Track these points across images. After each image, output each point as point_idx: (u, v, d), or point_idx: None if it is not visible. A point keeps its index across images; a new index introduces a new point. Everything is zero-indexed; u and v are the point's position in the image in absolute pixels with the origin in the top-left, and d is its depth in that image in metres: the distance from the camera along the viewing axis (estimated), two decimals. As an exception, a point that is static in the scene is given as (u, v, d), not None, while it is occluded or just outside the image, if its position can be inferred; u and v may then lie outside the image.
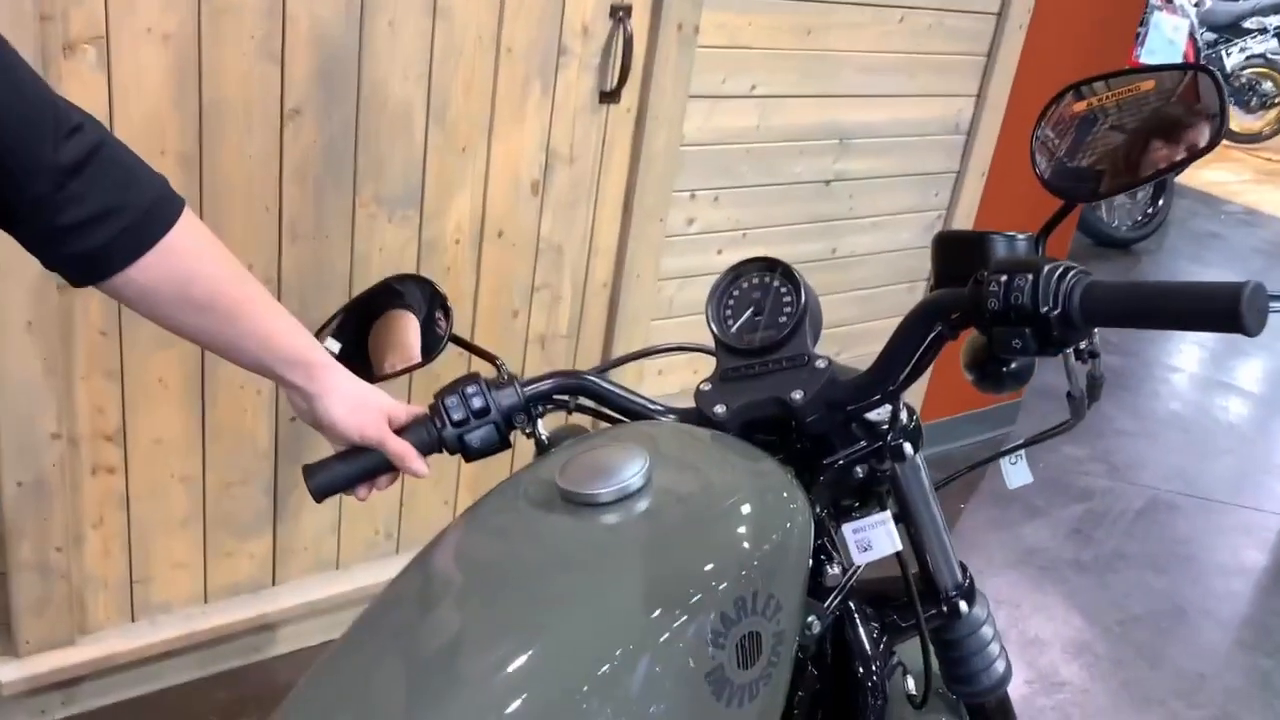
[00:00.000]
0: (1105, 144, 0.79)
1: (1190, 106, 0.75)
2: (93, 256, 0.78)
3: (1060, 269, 0.72)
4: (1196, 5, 6.61)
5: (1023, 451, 0.97)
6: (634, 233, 2.01)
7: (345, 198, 1.67)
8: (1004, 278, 0.73)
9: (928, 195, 2.49)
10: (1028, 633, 2.36)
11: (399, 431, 0.90)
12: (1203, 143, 0.73)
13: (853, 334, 2.50)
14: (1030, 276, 0.72)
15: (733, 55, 1.99)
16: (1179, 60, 5.43)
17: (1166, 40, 5.47)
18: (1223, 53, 7.26)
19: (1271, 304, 0.70)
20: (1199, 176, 6.61)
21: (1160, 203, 5.23)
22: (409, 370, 1.01)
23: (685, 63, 1.91)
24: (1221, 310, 0.64)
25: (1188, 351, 4.14)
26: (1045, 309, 0.72)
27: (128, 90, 1.42)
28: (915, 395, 2.67)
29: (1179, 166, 0.76)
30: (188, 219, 0.82)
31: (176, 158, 1.49)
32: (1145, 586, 2.59)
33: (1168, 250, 5.44)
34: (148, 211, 0.79)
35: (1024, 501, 2.86)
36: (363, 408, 0.88)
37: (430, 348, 1.01)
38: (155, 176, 0.82)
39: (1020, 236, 0.82)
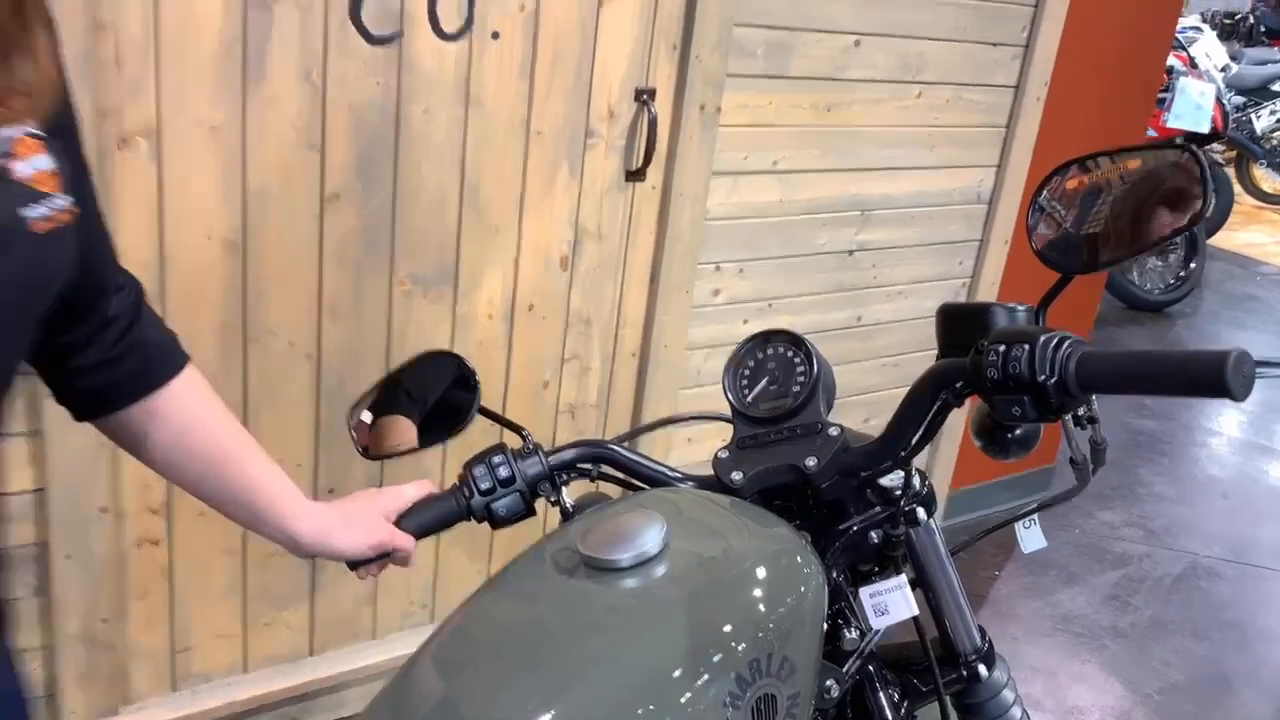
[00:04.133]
0: (1095, 219, 0.83)
1: (1177, 182, 0.78)
2: (98, 394, 0.84)
3: (1056, 339, 0.76)
4: (1223, 70, 6.66)
5: (1036, 517, 0.99)
6: (661, 305, 2.07)
7: (382, 277, 1.74)
8: (1002, 348, 0.77)
9: (951, 264, 2.53)
10: (1066, 701, 2.33)
11: (427, 504, 0.95)
12: (1187, 218, 0.77)
13: (880, 400, 2.52)
14: (1027, 347, 0.76)
15: (754, 133, 2.06)
16: (1206, 125, 5.46)
17: (1193, 105, 5.50)
18: (1252, 116, 7.28)
19: (1260, 369, 0.72)
20: (1233, 238, 6.60)
21: (1192, 265, 5.22)
22: (405, 453, 1.05)
23: (708, 141, 1.98)
24: (1208, 377, 0.67)
25: (1227, 415, 4.10)
26: (1042, 377, 0.75)
27: (177, 179, 1.51)
28: (945, 461, 2.68)
29: (1168, 239, 0.79)
30: (190, 373, 0.88)
31: (222, 242, 1.57)
32: (1186, 654, 2.55)
33: (1203, 313, 5.41)
34: (154, 361, 0.85)
35: (1060, 568, 2.84)
36: (357, 525, 0.93)
37: (459, 421, 1.06)
38: (168, 332, 0.88)
39: (1020, 308, 0.85)
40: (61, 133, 0.71)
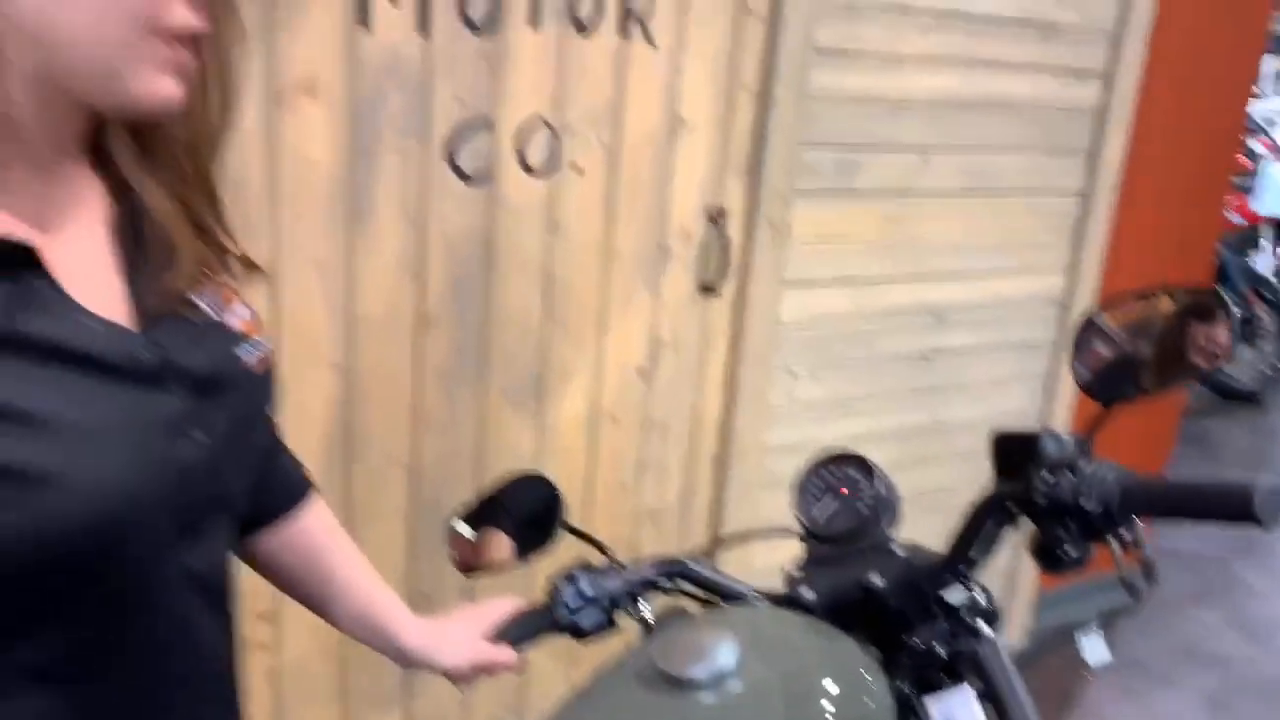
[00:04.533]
0: (1134, 354, 0.89)
1: (1209, 320, 0.84)
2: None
3: (1098, 468, 0.82)
4: (1311, 152, 6.56)
5: (1100, 630, 1.03)
6: (738, 410, 2.14)
7: (474, 392, 1.85)
8: (1049, 476, 0.83)
9: (1028, 364, 2.56)
10: (1166, 813, 2.26)
11: (519, 618, 1.03)
12: (1219, 353, 0.82)
13: (963, 502, 2.53)
14: (1071, 474, 0.82)
15: (825, 246, 2.15)
16: (1293, 209, 5.39)
17: (1280, 191, 5.45)
18: (1344, 197, 7.12)
19: (1293, 497, 0.77)
20: (1331, 322, 6.40)
21: (1287, 353, 5.10)
22: (500, 570, 1.13)
23: (779, 255, 2.08)
24: (1239, 508, 0.73)
25: (1330, 507, 3.96)
26: (1085, 504, 0.80)
27: (291, 312, 1.65)
28: (1030, 563, 2.66)
29: (1205, 371, 0.85)
30: (317, 500, 0.99)
31: (330, 367, 1.70)
32: (1294, 763, 2.46)
33: (1302, 402, 5.26)
34: (289, 489, 0.97)
35: (1155, 670, 2.77)
36: (460, 643, 1.02)
37: (547, 537, 1.14)
38: (298, 463, 0.99)
39: (1067, 436, 0.91)
40: None
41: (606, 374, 1.99)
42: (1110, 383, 0.90)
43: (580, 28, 1.76)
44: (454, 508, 1.17)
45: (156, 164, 0.73)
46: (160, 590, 0.70)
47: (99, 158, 0.72)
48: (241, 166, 1.55)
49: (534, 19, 1.71)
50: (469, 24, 1.66)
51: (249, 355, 0.76)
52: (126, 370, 0.66)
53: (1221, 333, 0.81)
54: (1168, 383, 0.86)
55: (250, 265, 0.80)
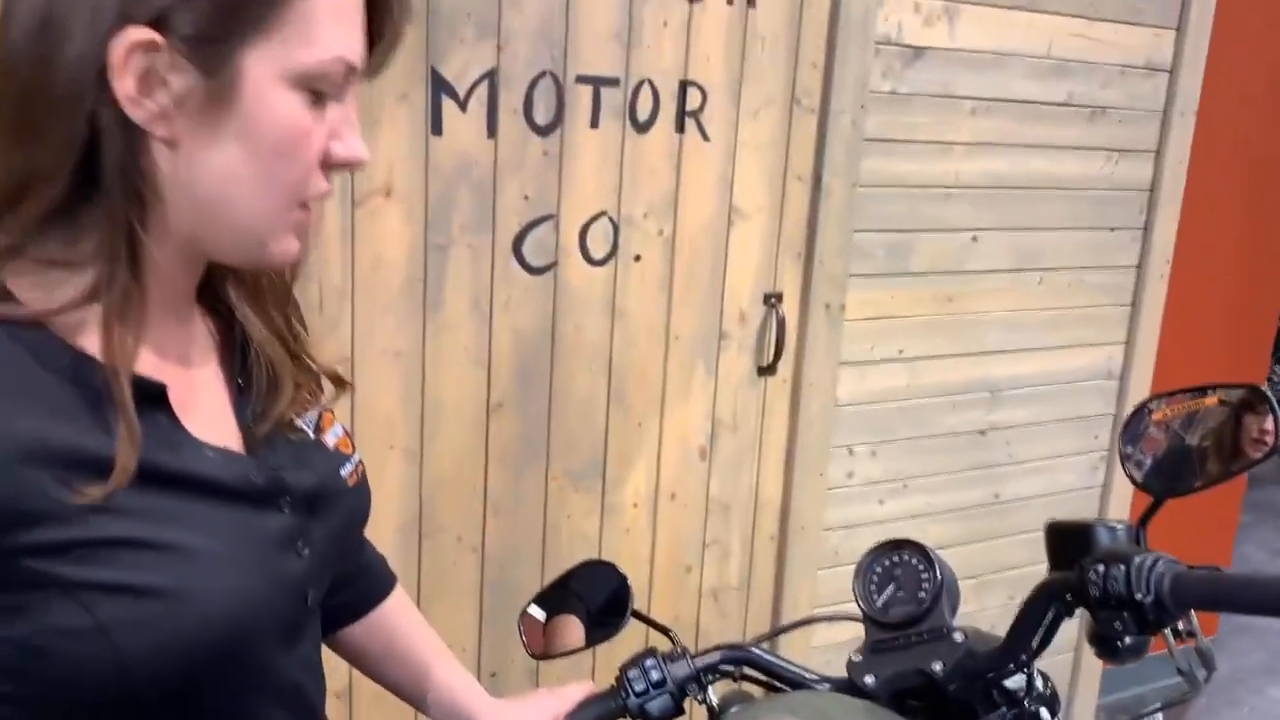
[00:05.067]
0: (1183, 447, 0.92)
1: (1256, 413, 0.87)
2: (330, 614, 0.98)
3: (1150, 560, 0.84)
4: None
5: (1159, 715, 1.04)
6: (797, 488, 2.17)
7: (539, 474, 1.91)
8: (1102, 568, 0.86)
9: (1087, 438, 2.56)
10: None
11: (589, 704, 1.07)
12: (1266, 449, 0.85)
13: (1024, 577, 2.52)
14: (1124, 567, 0.84)
15: (879, 325, 2.19)
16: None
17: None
18: None
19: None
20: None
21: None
22: (571, 653, 1.17)
23: (834, 336, 2.12)
24: (1293, 602, 0.75)
25: None
26: (1139, 595, 0.83)
27: (366, 400, 1.73)
28: (1096, 638, 2.63)
29: (1255, 464, 0.88)
30: (399, 590, 1.05)
31: (403, 451, 1.78)
32: None
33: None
34: (374, 581, 1.03)
35: (1232, 752, 2.69)
36: None
37: (614, 624, 1.18)
38: (378, 555, 1.05)
39: (1120, 526, 0.93)
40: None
41: (667, 455, 2.04)
42: (1162, 475, 0.93)
43: (638, 125, 1.84)
44: (530, 595, 1.21)
45: (257, 298, 0.80)
46: (264, 694, 0.75)
47: (204, 292, 0.79)
48: (322, 265, 1.65)
49: (594, 119, 1.80)
50: (534, 126, 1.75)
51: (346, 471, 0.83)
52: (241, 492, 0.72)
53: (1269, 424, 0.84)
54: (1220, 475, 0.89)
55: (340, 382, 0.86)
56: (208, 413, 0.75)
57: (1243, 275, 2.75)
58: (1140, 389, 2.55)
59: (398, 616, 1.04)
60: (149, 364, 0.70)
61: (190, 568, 0.66)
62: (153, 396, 0.68)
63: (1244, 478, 3.06)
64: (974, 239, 2.25)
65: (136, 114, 0.63)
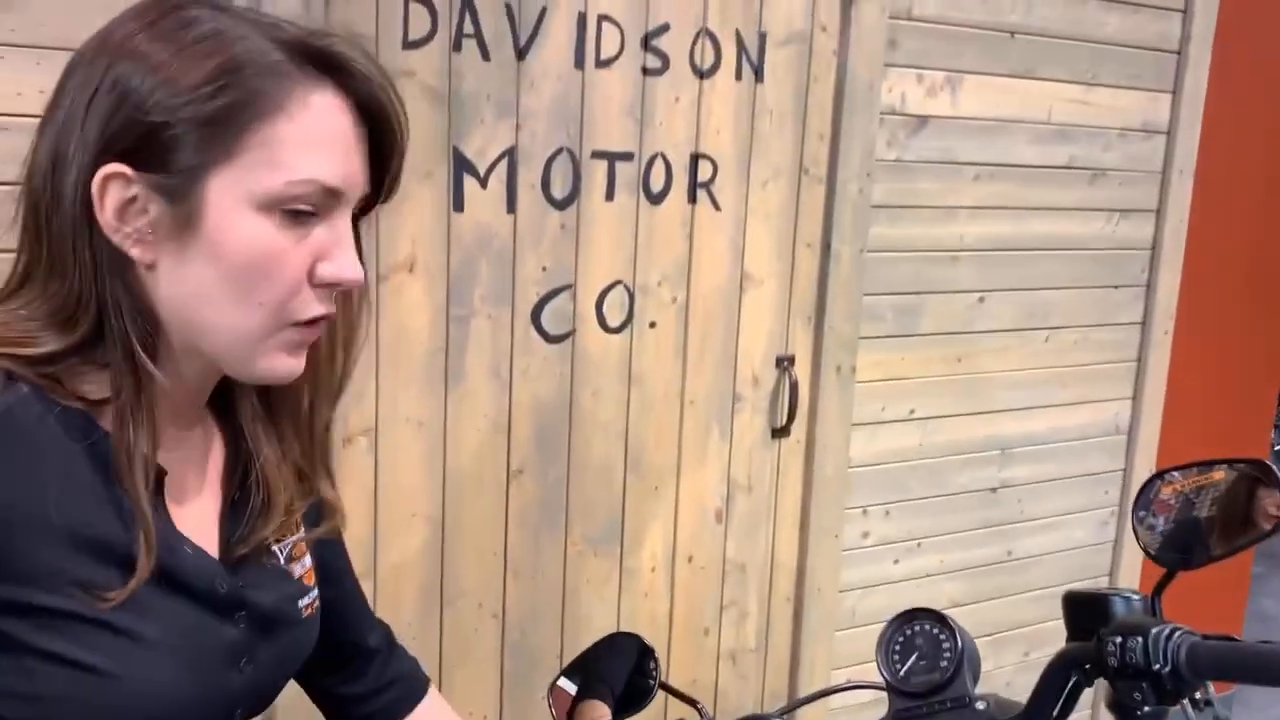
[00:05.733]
0: (1196, 521, 0.95)
1: (1265, 487, 0.90)
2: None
3: (1167, 631, 0.87)
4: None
5: (1184, 781, 1.06)
6: (812, 549, 2.19)
7: (558, 539, 1.94)
8: (1120, 639, 0.88)
9: (1097, 494, 2.58)
10: None
11: None
12: (1271, 523, 0.88)
13: (1039, 633, 2.53)
14: (1141, 639, 0.87)
15: (889, 386, 2.22)
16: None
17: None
18: None
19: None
20: None
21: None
22: None
23: (846, 398, 2.16)
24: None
25: None
26: (1157, 666, 0.86)
27: (389, 468, 1.76)
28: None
29: (1267, 537, 0.90)
30: (433, 691, 1.07)
31: (424, 518, 1.80)
32: None
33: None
34: (408, 686, 1.04)
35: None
36: None
37: (642, 695, 1.20)
38: (411, 660, 1.07)
39: (1135, 596, 0.96)
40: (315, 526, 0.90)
41: (684, 518, 2.07)
42: (1175, 548, 0.96)
43: (651, 197, 1.90)
44: (550, 659, 1.24)
45: (274, 416, 0.81)
46: None
47: (221, 403, 0.81)
48: (348, 338, 1.69)
49: (610, 192, 1.85)
50: (551, 200, 1.81)
51: (303, 602, 0.84)
52: (204, 596, 0.75)
53: (1274, 495, 0.87)
54: (1232, 548, 0.92)
55: (333, 512, 0.87)
56: (196, 515, 0.78)
57: (1246, 330, 2.79)
58: (1148, 444, 2.58)
59: (433, 717, 1.06)
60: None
61: (136, 653, 0.68)
62: (155, 481, 0.71)
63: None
64: (980, 300, 2.29)
65: (117, 239, 0.67)
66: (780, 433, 2.13)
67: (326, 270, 0.70)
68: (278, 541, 0.83)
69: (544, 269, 1.82)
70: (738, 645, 2.17)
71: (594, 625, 1.95)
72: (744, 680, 2.18)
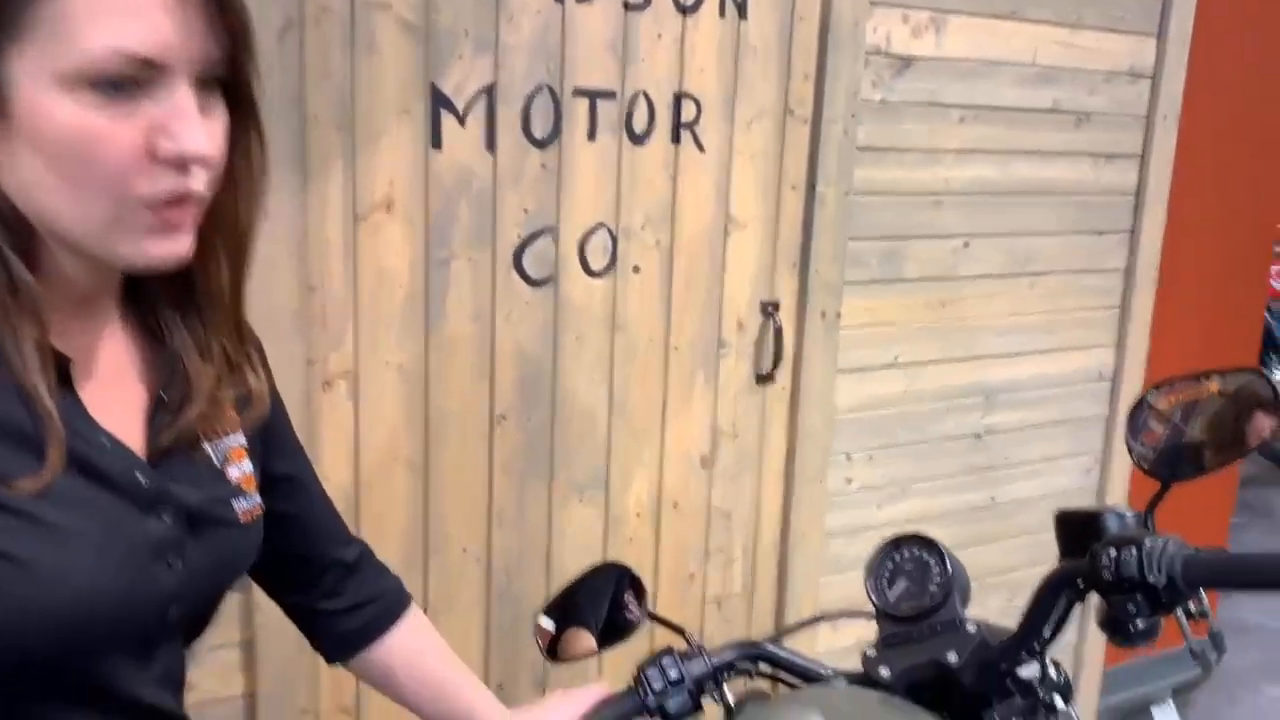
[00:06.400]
0: (1187, 433, 0.94)
1: (1258, 397, 0.89)
2: (347, 637, 1.02)
3: (1162, 543, 0.86)
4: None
5: (1172, 701, 1.06)
6: (797, 496, 2.19)
7: (543, 485, 1.92)
8: (1113, 552, 0.87)
9: (1081, 440, 2.58)
10: None
11: (606, 705, 1.08)
12: (1267, 432, 0.87)
13: (1023, 580, 2.54)
14: (1135, 550, 0.86)
15: (875, 332, 2.21)
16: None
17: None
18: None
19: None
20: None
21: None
22: (587, 658, 1.18)
23: (831, 343, 2.14)
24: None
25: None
26: (1151, 578, 0.85)
27: (370, 413, 1.74)
28: (1095, 639, 2.65)
29: (1258, 448, 0.90)
30: (414, 609, 1.06)
31: (406, 463, 1.78)
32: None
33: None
34: (389, 603, 1.03)
35: (1233, 749, 2.71)
36: None
37: (629, 624, 1.19)
38: (393, 577, 1.06)
39: (1128, 512, 0.95)
40: (267, 438, 0.89)
41: (669, 464, 2.05)
42: (1168, 462, 0.95)
43: (634, 138, 1.87)
44: (538, 605, 1.22)
45: (193, 303, 0.79)
46: (110, 706, 0.74)
47: (141, 304, 0.80)
48: (325, 279, 1.66)
49: (591, 132, 1.82)
50: (532, 140, 1.77)
51: (239, 506, 0.83)
52: (124, 488, 0.73)
53: (1270, 409, 0.86)
54: (1224, 460, 0.91)
55: (257, 400, 0.85)
56: (119, 409, 0.76)
57: (1231, 274, 2.79)
58: (1132, 390, 2.58)
59: (413, 636, 1.05)
60: (60, 345, 0.71)
61: (54, 543, 0.67)
62: (58, 371, 0.69)
63: (1235, 480, 3.09)
64: (965, 245, 2.28)
65: None
66: (765, 379, 2.12)
67: (166, 145, 0.66)
68: (209, 440, 0.81)
69: (525, 211, 1.79)
70: (723, 591, 2.17)
71: (579, 572, 1.94)
72: (729, 625, 2.18)
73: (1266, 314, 4.14)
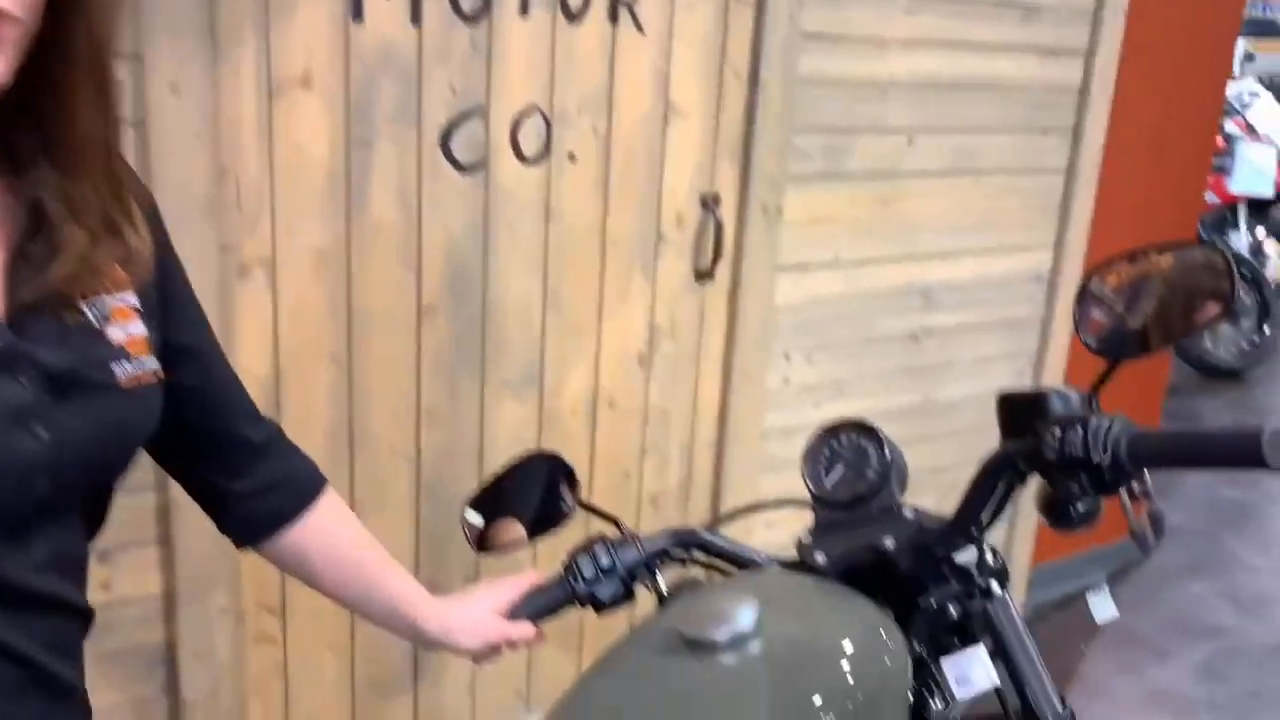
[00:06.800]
0: (1137, 310, 0.91)
1: (1210, 276, 0.86)
2: (256, 520, 0.96)
3: (1107, 421, 0.83)
4: (1285, 132, 6.64)
5: (1106, 587, 1.05)
6: (734, 394, 2.16)
7: (474, 382, 1.86)
8: (1058, 431, 0.85)
9: (1017, 341, 2.59)
10: (1165, 779, 2.29)
11: (536, 593, 1.05)
12: (1217, 309, 0.84)
13: (957, 481, 2.55)
14: (1080, 429, 0.83)
15: (816, 229, 2.16)
16: (1270, 189, 5.46)
17: (1255, 170, 5.51)
18: (1319, 175, 7.21)
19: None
20: (1308, 299, 6.48)
21: (1266, 330, 5.16)
22: (514, 549, 1.15)
23: (772, 239, 2.09)
24: (1247, 452, 0.74)
25: (1314, 479, 4.03)
26: (1096, 457, 0.82)
27: (290, 303, 1.66)
28: (1024, 538, 2.70)
29: (1201, 329, 0.87)
30: (331, 494, 1.00)
31: (329, 357, 1.71)
32: (1288, 727, 2.50)
33: (1283, 376, 5.33)
34: (301, 484, 0.98)
35: (1150, 643, 2.81)
36: (478, 623, 1.04)
37: (560, 514, 1.15)
38: (306, 459, 1.00)
39: (1073, 393, 0.93)
40: (165, 306, 0.82)
41: (605, 361, 2.00)
42: (1116, 341, 0.92)
43: (569, 15, 1.77)
44: (466, 495, 1.18)
45: (56, 156, 0.72)
46: None
47: (8, 156, 0.73)
48: (238, 158, 1.56)
49: (524, 7, 1.72)
50: (460, 13, 1.67)
51: (122, 370, 0.76)
52: None
53: (1222, 282, 0.84)
54: (1173, 336, 0.88)
55: (135, 259, 0.78)
56: None
57: (1169, 181, 2.79)
58: (1069, 292, 2.58)
59: (329, 521, 1.00)
60: None
61: None
62: None
63: (1163, 388, 3.14)
64: (909, 141, 2.23)
65: None
66: (704, 276, 2.07)
67: None
68: (85, 298, 0.74)
69: (453, 90, 1.69)
70: (659, 489, 2.15)
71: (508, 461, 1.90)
72: (665, 523, 2.13)
73: (1199, 226, 4.19)
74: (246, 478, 0.93)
